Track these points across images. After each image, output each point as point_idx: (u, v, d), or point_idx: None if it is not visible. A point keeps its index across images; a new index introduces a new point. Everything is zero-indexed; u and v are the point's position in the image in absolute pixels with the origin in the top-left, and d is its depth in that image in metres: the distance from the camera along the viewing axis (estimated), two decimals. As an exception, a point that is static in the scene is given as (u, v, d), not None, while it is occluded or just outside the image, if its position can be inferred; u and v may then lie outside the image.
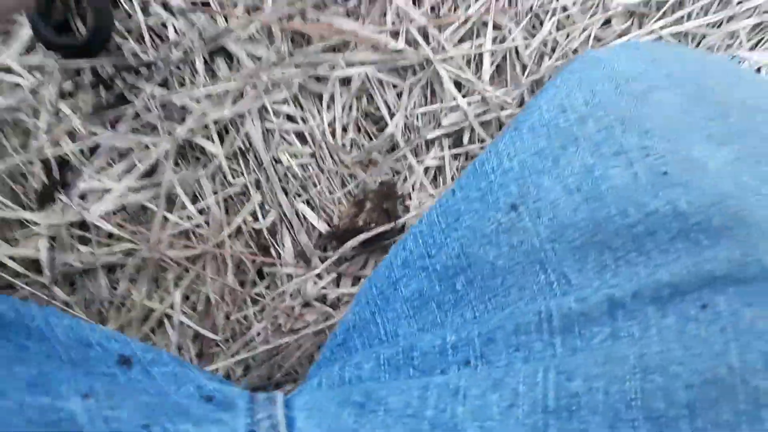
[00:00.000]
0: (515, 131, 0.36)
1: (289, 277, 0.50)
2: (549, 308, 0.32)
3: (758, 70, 0.49)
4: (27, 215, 0.50)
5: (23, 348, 0.36)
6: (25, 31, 0.50)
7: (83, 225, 0.50)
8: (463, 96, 0.49)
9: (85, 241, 0.50)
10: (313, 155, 0.50)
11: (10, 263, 0.50)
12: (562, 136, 0.35)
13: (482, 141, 0.51)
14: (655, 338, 0.29)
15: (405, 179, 0.51)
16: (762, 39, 0.52)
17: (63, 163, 0.51)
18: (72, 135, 0.50)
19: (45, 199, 0.51)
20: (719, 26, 0.51)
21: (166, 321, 0.50)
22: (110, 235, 0.50)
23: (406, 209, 0.50)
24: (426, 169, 0.51)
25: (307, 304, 0.50)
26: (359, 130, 0.51)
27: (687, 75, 0.38)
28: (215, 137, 0.48)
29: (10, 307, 0.38)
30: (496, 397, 0.29)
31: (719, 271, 0.29)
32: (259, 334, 0.50)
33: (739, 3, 0.51)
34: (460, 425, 0.29)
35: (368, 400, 0.32)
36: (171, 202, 0.50)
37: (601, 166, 0.33)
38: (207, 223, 0.50)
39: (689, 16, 0.51)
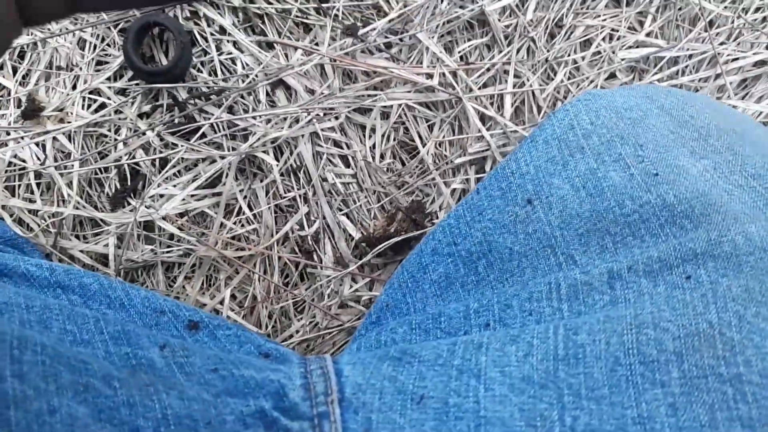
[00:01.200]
0: (532, 143, 0.44)
1: (328, 279, 0.56)
2: (557, 280, 0.38)
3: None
4: (100, 215, 0.57)
5: (104, 314, 0.42)
6: (116, 62, 0.59)
7: (148, 227, 0.57)
8: (487, 129, 0.57)
9: (148, 241, 0.57)
10: (354, 176, 0.58)
11: (82, 257, 0.57)
12: (570, 147, 0.42)
13: (502, 170, 0.58)
14: (647, 302, 0.35)
15: (433, 200, 0.58)
16: (748, 93, 0.60)
17: (136, 172, 0.58)
18: (146, 148, 0.58)
19: (117, 202, 0.58)
20: (707, 80, 0.59)
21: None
22: (171, 237, 0.57)
23: (432, 223, 0.57)
24: (452, 191, 0.58)
25: (342, 305, 0.56)
26: (395, 156, 0.59)
27: (674, 106, 0.45)
28: (272, 155, 0.56)
29: (95, 280, 0.45)
30: (513, 348, 0.35)
31: (700, 249, 0.35)
32: (298, 331, 0.56)
33: (725, 63, 0.59)
34: (483, 370, 0.35)
35: (404, 354, 0.37)
36: (229, 209, 0.57)
37: (603, 169, 0.40)
38: (257, 229, 0.57)
39: (683, 71, 0.59)
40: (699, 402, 0.30)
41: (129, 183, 0.58)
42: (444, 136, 0.58)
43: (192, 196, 0.57)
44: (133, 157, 0.58)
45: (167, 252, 0.57)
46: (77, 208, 0.57)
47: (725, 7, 0.60)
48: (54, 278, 0.44)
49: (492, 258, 0.41)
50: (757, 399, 0.30)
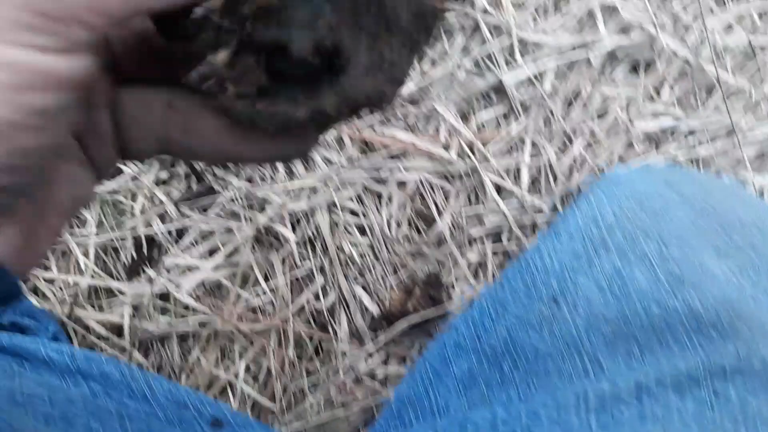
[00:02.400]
0: (555, 236, 0.43)
1: (343, 354, 0.56)
2: (586, 390, 0.37)
3: (761, 192, 0.56)
4: (115, 285, 0.57)
5: (124, 405, 0.42)
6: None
7: (163, 296, 0.57)
8: (504, 201, 0.57)
9: (163, 311, 0.57)
10: (371, 246, 0.57)
11: (96, 326, 0.56)
12: (595, 242, 0.42)
13: (519, 240, 0.58)
14: (676, 420, 0.34)
15: (450, 271, 0.58)
16: (765, 165, 0.59)
17: (152, 241, 0.58)
18: (163, 217, 0.58)
19: (133, 271, 0.58)
20: (725, 152, 0.59)
21: (228, 388, 0.56)
22: (186, 307, 0.57)
23: (449, 298, 0.57)
24: (468, 263, 0.57)
25: (357, 380, 0.56)
26: (411, 225, 0.59)
27: (695, 194, 0.45)
28: (289, 226, 0.56)
29: (116, 368, 0.45)
30: (542, 463, 0.35)
31: (728, 364, 0.35)
32: (312, 406, 0.56)
33: (741, 135, 0.59)
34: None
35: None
36: (244, 279, 0.57)
37: (628, 269, 0.40)
38: (273, 301, 0.57)
39: (699, 143, 0.59)
40: None
41: (145, 252, 0.58)
42: (461, 207, 0.58)
43: (211, 266, 0.56)
44: (150, 227, 0.58)
45: (183, 323, 0.56)
46: (93, 278, 0.57)
47: (744, 78, 0.60)
48: (75, 365, 0.44)
49: (517, 357, 0.41)
50: None
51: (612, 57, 0.60)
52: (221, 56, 0.17)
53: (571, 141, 0.59)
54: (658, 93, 0.61)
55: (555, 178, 0.59)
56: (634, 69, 0.61)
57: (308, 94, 0.18)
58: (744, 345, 0.35)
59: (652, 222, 0.42)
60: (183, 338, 0.58)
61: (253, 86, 0.17)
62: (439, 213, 0.58)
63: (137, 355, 0.57)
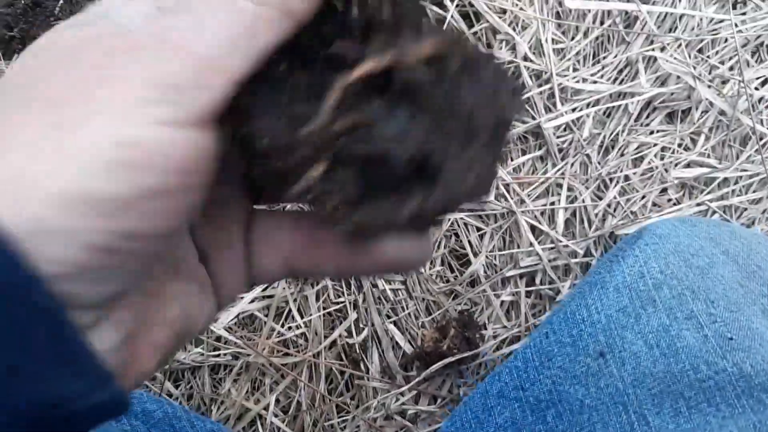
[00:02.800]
0: (602, 289, 0.44)
1: (375, 391, 0.56)
2: (633, 445, 0.37)
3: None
4: (149, 313, 0.57)
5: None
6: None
7: (196, 326, 0.57)
8: (538, 243, 0.57)
9: (197, 342, 0.57)
10: (404, 283, 0.58)
11: (129, 354, 0.56)
12: (642, 298, 0.42)
13: (552, 282, 0.58)
14: (726, 481, 0.34)
15: (482, 310, 0.58)
16: (797, 217, 0.60)
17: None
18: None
19: (167, 300, 0.58)
20: (758, 202, 0.60)
21: (258, 421, 0.56)
22: (219, 338, 0.57)
23: (482, 338, 0.57)
24: (501, 303, 0.58)
25: (388, 417, 0.56)
26: (445, 264, 0.59)
27: (739, 252, 0.45)
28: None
29: (159, 407, 0.45)
30: None
31: (780, 427, 0.35)
32: (341, 441, 0.56)
33: (776, 185, 0.59)
34: None
35: None
36: (278, 313, 0.57)
37: (676, 327, 0.40)
38: (306, 334, 0.57)
39: (733, 192, 0.60)
40: None
41: (179, 280, 0.58)
42: (495, 247, 0.59)
43: (242, 298, 0.57)
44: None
45: (215, 355, 0.56)
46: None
47: (778, 133, 0.60)
48: (114, 401, 0.44)
49: (561, 409, 0.41)
50: None
51: (649, 105, 0.61)
52: (317, 171, 0.17)
53: (606, 186, 0.60)
54: (693, 142, 0.61)
55: (590, 223, 0.59)
56: (671, 118, 0.62)
57: (400, 201, 0.18)
58: (795, 410, 0.35)
59: (698, 280, 0.42)
60: (214, 369, 0.58)
61: (350, 198, 0.18)
62: (474, 253, 0.59)
63: (168, 385, 0.57)
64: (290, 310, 0.57)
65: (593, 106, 0.59)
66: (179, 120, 0.15)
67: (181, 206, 0.16)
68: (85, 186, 0.14)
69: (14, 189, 0.14)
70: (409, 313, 0.57)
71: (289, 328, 0.57)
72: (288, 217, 0.22)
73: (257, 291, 0.56)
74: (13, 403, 0.14)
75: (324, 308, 0.57)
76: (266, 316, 0.57)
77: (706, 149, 0.60)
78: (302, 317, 0.57)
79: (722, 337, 0.39)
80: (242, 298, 0.56)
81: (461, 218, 0.59)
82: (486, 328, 0.57)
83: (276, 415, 0.56)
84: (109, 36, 0.16)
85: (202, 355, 0.57)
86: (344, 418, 0.56)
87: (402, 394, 0.56)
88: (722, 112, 0.61)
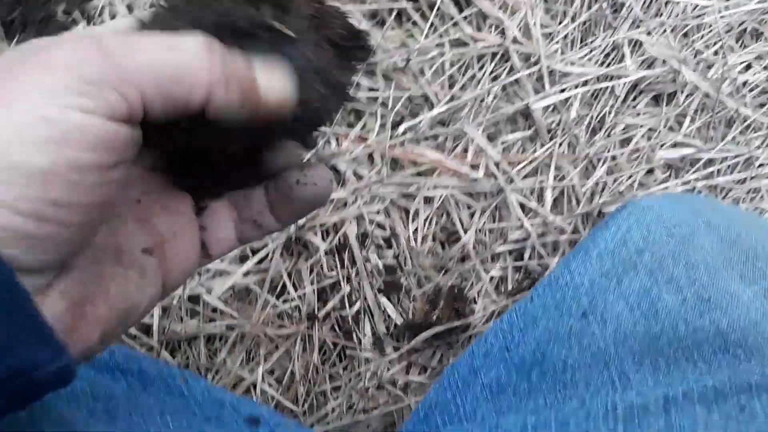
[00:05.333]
0: (585, 255, 0.45)
1: (366, 361, 0.57)
2: (614, 400, 0.39)
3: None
4: (146, 285, 0.58)
5: (162, 401, 0.43)
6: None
7: (193, 299, 0.58)
8: (527, 219, 0.59)
9: (192, 313, 0.58)
10: (396, 258, 0.59)
11: (126, 326, 0.57)
12: (624, 263, 0.44)
13: (540, 258, 0.60)
14: (704, 431, 0.36)
15: (472, 285, 0.60)
16: (779, 197, 0.62)
17: (183, 244, 0.60)
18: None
19: (164, 273, 0.59)
20: (743, 182, 0.61)
21: (252, 389, 0.57)
22: (214, 310, 0.58)
23: (472, 311, 0.58)
24: (491, 278, 0.59)
25: (379, 387, 0.57)
26: (436, 240, 0.60)
27: (721, 223, 0.47)
28: (319, 235, 0.58)
29: (153, 365, 0.46)
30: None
31: (754, 380, 0.37)
32: (333, 410, 0.57)
33: (760, 166, 0.61)
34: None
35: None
36: (272, 286, 0.59)
37: (656, 290, 0.42)
38: (299, 306, 0.58)
39: (718, 172, 0.61)
40: None
41: (176, 254, 0.60)
42: (485, 224, 0.60)
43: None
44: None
45: (210, 325, 0.58)
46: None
47: (762, 113, 0.62)
48: (113, 361, 0.45)
49: (546, 368, 0.42)
50: None
51: (636, 88, 0.63)
52: None
53: (594, 166, 0.61)
54: (679, 124, 0.63)
55: (577, 201, 0.61)
56: (657, 100, 0.64)
57: None
58: (768, 363, 0.37)
59: (679, 248, 0.44)
60: (210, 340, 0.59)
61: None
62: (464, 228, 0.60)
63: (165, 354, 0.58)
64: (284, 284, 0.59)
65: (581, 87, 0.61)
66: (92, 110, 0.18)
67: (100, 181, 0.19)
68: (14, 158, 0.17)
69: None
70: (401, 287, 0.59)
71: (284, 300, 0.58)
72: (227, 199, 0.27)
73: (251, 264, 0.58)
74: None
75: (317, 281, 0.58)
76: (261, 288, 0.58)
77: (691, 131, 0.62)
78: (296, 290, 0.58)
79: (700, 298, 0.41)
80: (237, 270, 0.58)
81: (452, 196, 0.60)
82: (476, 302, 0.59)
83: (270, 385, 0.58)
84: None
85: (198, 326, 0.58)
86: (336, 384, 0.57)
87: (392, 364, 0.57)
88: (707, 95, 0.62)
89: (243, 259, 0.58)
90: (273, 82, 0.23)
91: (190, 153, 0.25)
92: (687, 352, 0.39)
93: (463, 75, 0.62)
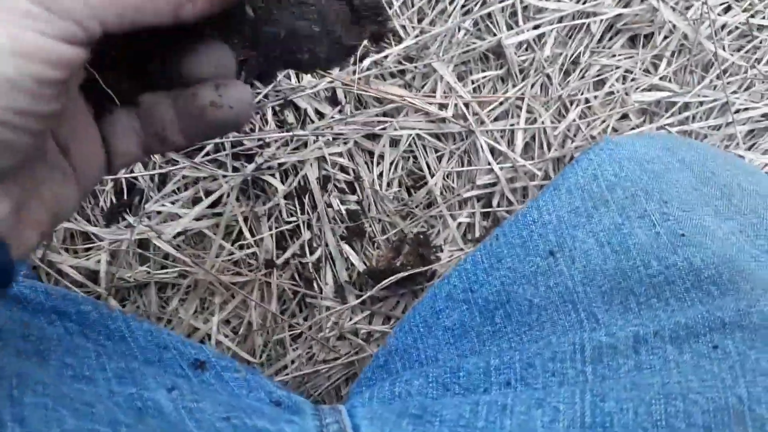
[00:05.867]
0: (554, 191, 0.43)
1: (328, 309, 0.54)
2: (582, 340, 0.37)
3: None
4: (92, 230, 0.55)
5: (102, 345, 0.40)
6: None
7: (142, 244, 0.55)
8: (497, 164, 0.56)
9: (142, 260, 0.55)
10: (359, 203, 0.56)
11: (71, 272, 0.54)
12: (594, 198, 0.41)
13: (510, 204, 0.57)
14: (674, 371, 0.34)
15: (438, 232, 0.57)
16: (756, 143, 0.60)
17: (133, 186, 0.56)
18: (145, 163, 0.56)
19: (112, 217, 0.55)
20: (718, 129, 0.59)
21: (207, 340, 0.54)
22: (166, 256, 0.55)
23: (437, 259, 0.56)
24: (458, 225, 0.57)
25: (341, 337, 0.55)
26: (402, 185, 0.57)
27: (695, 160, 0.45)
28: (278, 177, 0.54)
29: (93, 308, 0.42)
30: (539, 413, 0.34)
31: (728, 318, 0.35)
32: (293, 361, 0.54)
33: (736, 112, 0.59)
34: (507, 434, 0.34)
35: (424, 412, 0.36)
36: (228, 231, 0.55)
37: (628, 225, 0.40)
38: (257, 253, 0.55)
39: (693, 117, 0.59)
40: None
41: (125, 197, 0.56)
42: (453, 168, 0.57)
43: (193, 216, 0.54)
44: (132, 171, 0.55)
45: (161, 272, 0.54)
46: (69, 221, 0.54)
47: (740, 57, 0.60)
48: (50, 303, 0.41)
49: (510, 309, 0.40)
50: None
51: (612, 27, 0.60)
52: None
53: (566, 109, 0.59)
54: (655, 67, 0.61)
55: (549, 145, 0.58)
56: (633, 41, 0.61)
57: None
58: (743, 300, 0.35)
59: (653, 183, 0.41)
60: (161, 288, 0.56)
61: None
62: (431, 173, 0.57)
63: (113, 303, 0.54)
64: (240, 230, 0.55)
65: (556, 24, 0.58)
66: (51, 33, 0.20)
67: (58, 93, 0.21)
68: None
69: None
70: (364, 234, 0.56)
71: (240, 246, 0.55)
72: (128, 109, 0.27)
73: (204, 207, 0.54)
74: None
75: (276, 227, 0.55)
76: (215, 234, 0.55)
77: (668, 73, 0.60)
78: (253, 236, 0.55)
79: (674, 234, 0.38)
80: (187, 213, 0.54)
81: (419, 138, 0.57)
82: (442, 251, 0.56)
83: (225, 335, 0.55)
84: None
85: (149, 273, 0.54)
86: (295, 332, 0.55)
87: (355, 313, 0.55)
88: (685, 36, 0.60)
89: (196, 201, 0.55)
90: None
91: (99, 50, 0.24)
92: (659, 290, 0.37)
93: (433, 9, 0.58)
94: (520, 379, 0.37)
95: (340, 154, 0.56)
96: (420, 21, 0.58)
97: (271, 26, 0.27)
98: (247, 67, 0.28)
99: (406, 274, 0.52)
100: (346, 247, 0.56)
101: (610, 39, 0.60)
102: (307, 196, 0.55)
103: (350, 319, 0.54)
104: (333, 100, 0.56)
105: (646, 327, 0.36)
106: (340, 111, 0.56)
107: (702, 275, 0.37)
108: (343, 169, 0.57)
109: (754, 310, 0.35)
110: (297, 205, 0.56)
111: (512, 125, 0.58)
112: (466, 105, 0.57)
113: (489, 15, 0.57)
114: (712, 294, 0.36)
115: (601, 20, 0.58)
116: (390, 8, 0.57)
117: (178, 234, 0.55)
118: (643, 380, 0.34)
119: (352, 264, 0.55)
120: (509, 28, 0.58)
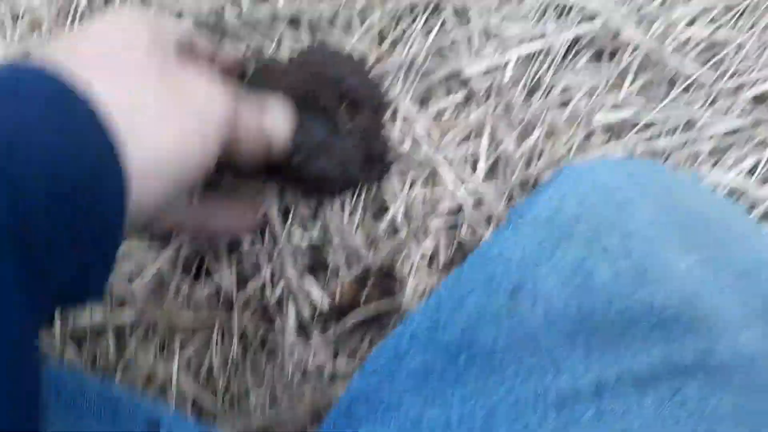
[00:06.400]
0: (516, 225, 0.41)
1: (291, 347, 0.53)
2: (546, 386, 0.36)
3: (716, 187, 0.56)
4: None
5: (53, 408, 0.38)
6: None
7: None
8: (460, 189, 0.55)
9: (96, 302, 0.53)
10: (322, 234, 0.55)
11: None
12: (558, 231, 0.40)
13: (474, 230, 0.56)
14: (636, 417, 0.33)
15: (403, 261, 0.55)
16: (719, 159, 0.59)
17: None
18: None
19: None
20: (684, 146, 0.59)
21: (168, 385, 0.52)
22: (122, 303, 0.53)
23: (402, 291, 0.54)
24: (423, 254, 0.55)
25: (304, 376, 0.53)
26: (365, 215, 0.56)
27: (659, 189, 0.44)
28: (234, 213, 0.53)
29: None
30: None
31: (689, 360, 0.34)
32: (255, 407, 0.52)
33: (701, 128, 0.58)
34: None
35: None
36: (186, 269, 0.53)
37: (591, 262, 0.38)
38: (218, 292, 0.53)
39: (659, 135, 0.58)
40: None
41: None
42: (415, 196, 0.56)
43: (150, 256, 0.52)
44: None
45: (119, 316, 0.52)
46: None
47: (707, 70, 0.59)
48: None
49: (474, 352, 0.39)
50: None
51: (575, 46, 0.59)
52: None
53: (530, 131, 0.58)
54: (619, 84, 0.60)
55: (512, 169, 0.57)
56: (597, 58, 0.60)
57: None
58: (703, 340, 0.34)
59: (615, 215, 0.40)
60: (119, 332, 0.54)
61: None
62: (394, 201, 0.56)
63: (69, 350, 0.52)
64: (200, 266, 0.53)
65: (517, 47, 0.56)
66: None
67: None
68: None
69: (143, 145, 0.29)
70: (327, 265, 0.54)
71: (199, 284, 0.53)
72: None
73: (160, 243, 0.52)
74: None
75: (236, 262, 0.53)
76: (173, 273, 0.53)
77: (632, 90, 0.59)
78: (212, 273, 0.53)
79: (636, 271, 0.37)
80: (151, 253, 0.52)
81: (381, 166, 0.55)
82: (408, 280, 0.55)
83: (185, 380, 0.53)
84: None
85: (105, 317, 0.52)
86: (259, 380, 0.53)
87: (319, 351, 0.53)
88: (650, 52, 0.59)
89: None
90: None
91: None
92: (621, 331, 0.36)
93: (395, 29, 0.57)
94: (482, 428, 0.36)
95: (300, 186, 0.54)
96: (380, 43, 0.56)
97: (306, 173, 0.38)
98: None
99: (371, 311, 0.51)
100: (309, 281, 0.54)
101: (574, 57, 0.59)
102: (267, 229, 0.54)
103: (314, 358, 0.53)
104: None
105: (609, 370, 0.35)
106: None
107: (663, 315, 0.36)
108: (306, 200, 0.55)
109: (714, 351, 0.34)
110: (258, 238, 0.54)
111: (475, 150, 0.56)
112: (428, 131, 0.55)
113: (450, 41, 0.56)
114: (674, 334, 0.35)
115: (564, 39, 0.57)
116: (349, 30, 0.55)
117: (135, 274, 0.53)
118: (605, 427, 0.33)
119: (315, 299, 0.54)
120: (471, 52, 0.57)
